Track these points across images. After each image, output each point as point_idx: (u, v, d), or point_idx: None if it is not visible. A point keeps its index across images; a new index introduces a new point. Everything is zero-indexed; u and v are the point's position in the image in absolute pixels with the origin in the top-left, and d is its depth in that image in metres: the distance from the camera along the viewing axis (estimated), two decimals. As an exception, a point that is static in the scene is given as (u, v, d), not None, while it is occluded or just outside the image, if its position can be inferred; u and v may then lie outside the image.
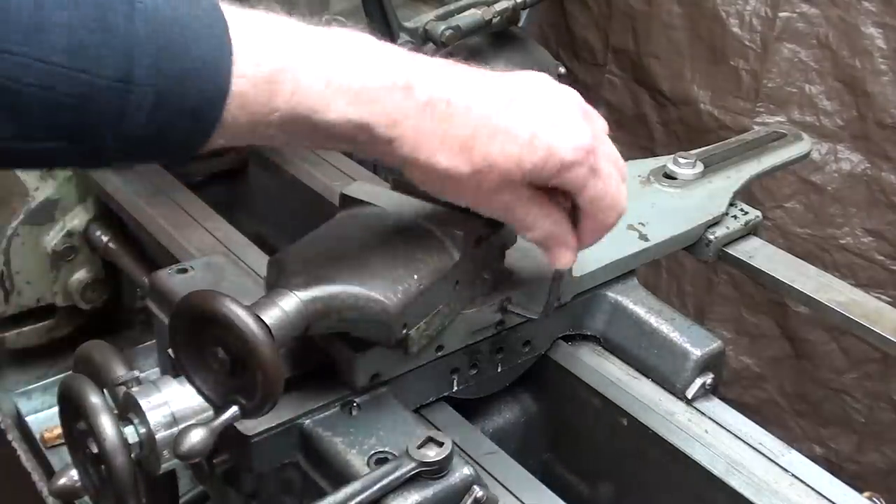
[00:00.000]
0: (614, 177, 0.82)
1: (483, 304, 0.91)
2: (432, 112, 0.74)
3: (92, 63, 0.61)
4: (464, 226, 0.87)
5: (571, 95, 0.82)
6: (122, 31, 0.62)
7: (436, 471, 0.77)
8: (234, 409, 0.73)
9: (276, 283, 0.79)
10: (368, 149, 0.75)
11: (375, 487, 0.75)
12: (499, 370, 0.97)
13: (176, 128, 0.65)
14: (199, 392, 0.75)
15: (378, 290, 0.80)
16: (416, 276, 0.83)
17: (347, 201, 0.92)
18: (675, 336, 0.97)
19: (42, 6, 0.60)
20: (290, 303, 0.75)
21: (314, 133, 0.72)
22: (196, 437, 0.71)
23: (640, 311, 1.00)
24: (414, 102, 0.73)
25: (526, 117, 0.76)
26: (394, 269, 0.82)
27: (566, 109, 0.79)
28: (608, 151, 0.82)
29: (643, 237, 1.06)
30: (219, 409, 0.74)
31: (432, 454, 0.77)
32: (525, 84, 0.80)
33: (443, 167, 0.75)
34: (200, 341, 0.73)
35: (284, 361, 0.85)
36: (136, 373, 0.78)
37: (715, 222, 1.11)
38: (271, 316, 0.74)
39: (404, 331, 0.82)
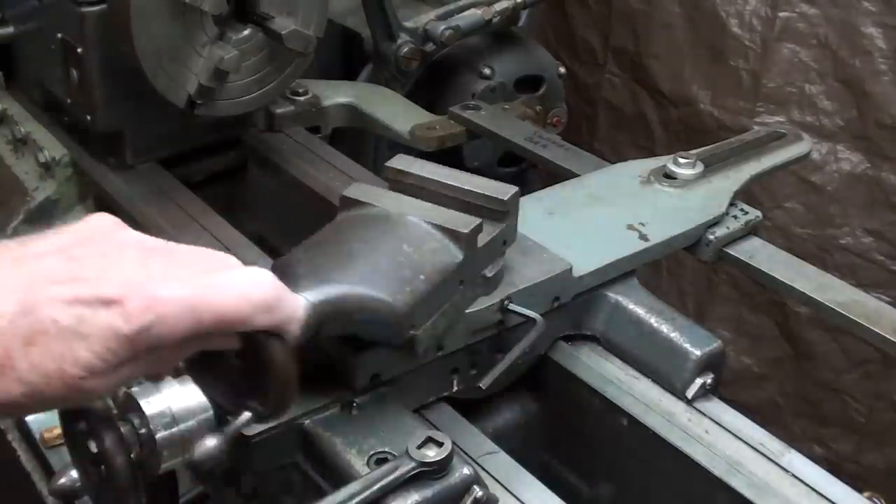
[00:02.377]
0: (202, 283, 0.66)
1: (483, 304, 0.91)
2: None
3: None
4: (466, 225, 0.87)
5: (117, 242, 0.67)
6: None
7: (436, 471, 0.77)
8: (246, 415, 0.72)
9: None
10: None
11: (375, 487, 0.75)
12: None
13: None
14: (210, 398, 0.75)
15: (386, 291, 0.80)
16: (422, 277, 0.83)
17: (348, 203, 0.91)
18: (675, 336, 0.97)
19: None
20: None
21: None
22: (211, 443, 0.71)
23: (640, 311, 1.00)
24: None
25: (63, 304, 0.62)
26: (400, 270, 0.82)
27: (107, 266, 0.65)
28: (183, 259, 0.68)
29: (643, 237, 1.06)
30: (231, 415, 0.74)
31: (432, 454, 0.77)
32: (55, 255, 0.65)
33: None
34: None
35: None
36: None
37: (715, 222, 1.11)
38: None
39: (412, 331, 0.83)
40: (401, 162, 0.95)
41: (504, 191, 0.92)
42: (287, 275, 0.80)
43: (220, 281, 0.67)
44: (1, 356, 0.61)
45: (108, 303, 0.63)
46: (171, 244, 0.70)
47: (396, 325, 0.81)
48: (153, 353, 0.66)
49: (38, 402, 0.63)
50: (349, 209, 0.91)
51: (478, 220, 0.87)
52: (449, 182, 0.92)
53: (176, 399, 0.77)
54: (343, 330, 0.81)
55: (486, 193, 0.91)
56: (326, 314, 0.77)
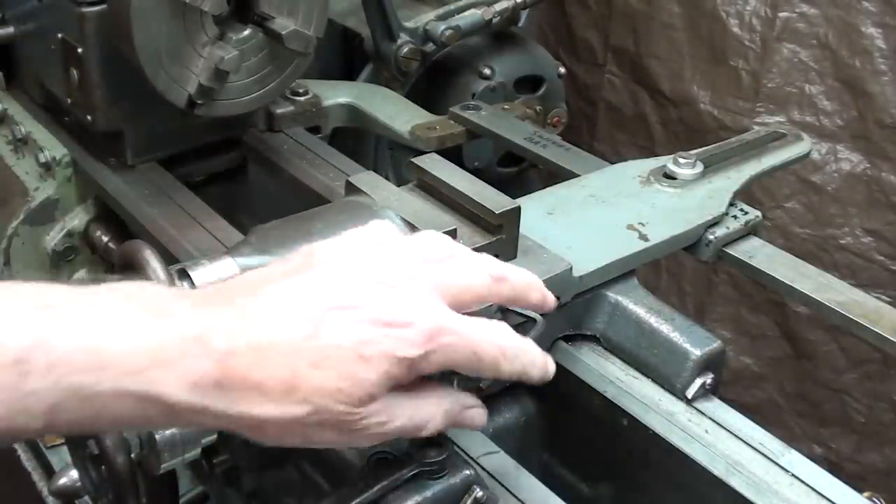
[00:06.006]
0: (474, 324, 0.69)
1: (482, 305, 0.91)
2: (237, 362, 0.62)
3: None
4: (438, 228, 0.87)
5: (395, 260, 0.69)
6: None
7: (436, 471, 0.77)
8: None
9: (230, 249, 0.81)
10: (171, 421, 0.65)
11: (375, 487, 0.75)
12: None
13: None
14: None
15: None
16: None
17: (350, 189, 0.92)
18: (675, 336, 0.97)
19: None
20: (224, 265, 0.76)
21: (93, 416, 0.60)
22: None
23: (640, 311, 1.00)
24: (211, 356, 0.62)
25: (349, 325, 0.64)
26: None
27: (393, 288, 0.67)
28: (464, 284, 0.70)
29: (643, 237, 1.06)
30: None
31: (432, 454, 0.77)
32: (339, 275, 0.67)
33: (273, 417, 0.64)
34: None
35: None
36: None
37: (715, 222, 1.11)
38: (197, 273, 0.75)
39: None
40: (424, 161, 0.96)
41: (502, 203, 0.92)
42: (243, 241, 0.82)
43: (503, 334, 0.71)
44: (288, 376, 0.63)
45: (395, 325, 0.65)
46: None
47: None
48: (434, 397, 0.70)
49: (317, 423, 0.65)
50: (348, 195, 0.92)
51: (453, 226, 0.88)
52: (457, 188, 0.92)
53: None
54: None
55: (483, 204, 0.91)
56: None
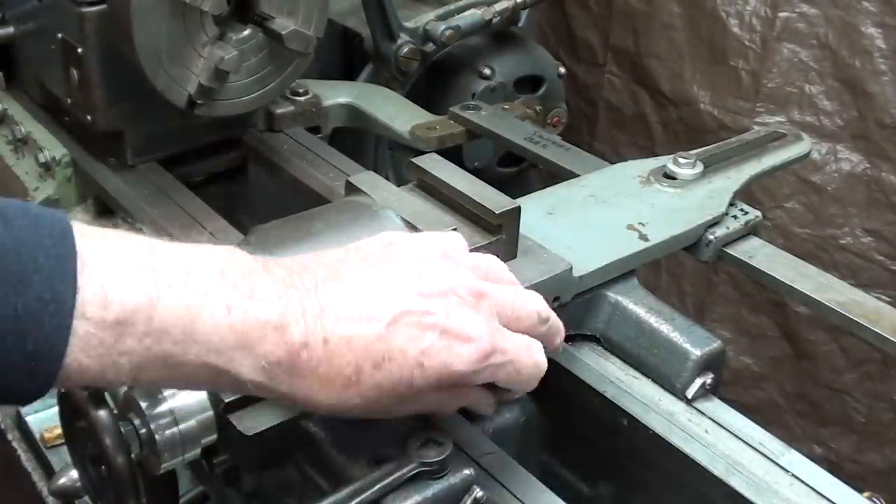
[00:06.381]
0: (523, 349, 0.75)
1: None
2: (310, 354, 0.67)
3: None
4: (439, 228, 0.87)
5: (462, 277, 0.73)
6: None
7: (436, 471, 0.77)
8: None
9: None
10: (237, 391, 0.71)
11: (375, 487, 0.75)
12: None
13: (12, 371, 0.59)
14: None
15: None
16: None
17: (350, 189, 0.92)
18: (675, 336, 0.97)
19: None
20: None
21: (173, 378, 0.66)
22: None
23: (640, 311, 1.00)
24: (287, 346, 0.66)
25: (417, 330, 0.69)
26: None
27: (459, 303, 0.72)
28: (514, 313, 0.75)
29: (643, 237, 1.06)
30: None
31: (432, 454, 0.77)
32: (412, 276, 0.72)
33: (328, 404, 0.70)
34: None
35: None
36: None
37: (715, 222, 1.11)
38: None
39: None
40: (424, 161, 0.96)
41: (502, 203, 0.92)
42: (249, 241, 0.83)
43: (539, 352, 0.77)
44: (352, 371, 0.68)
45: (457, 338, 0.70)
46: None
47: None
48: (458, 393, 0.75)
49: (365, 409, 0.71)
50: (348, 195, 0.92)
51: (453, 226, 0.88)
52: (457, 188, 0.92)
53: (176, 399, 0.77)
54: None
55: (483, 204, 0.91)
56: None
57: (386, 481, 0.76)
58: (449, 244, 0.77)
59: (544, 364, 0.77)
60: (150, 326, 0.62)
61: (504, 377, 0.74)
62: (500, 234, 0.91)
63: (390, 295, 0.70)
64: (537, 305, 0.79)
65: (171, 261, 0.65)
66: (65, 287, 0.59)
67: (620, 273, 1.03)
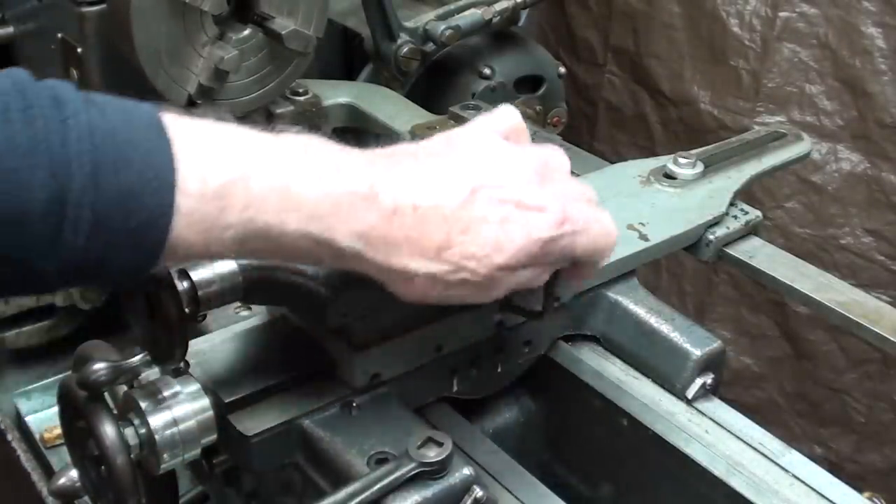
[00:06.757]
0: (593, 219, 0.78)
1: (483, 304, 0.91)
2: (401, 220, 0.70)
3: (23, 184, 0.57)
4: None
5: (526, 157, 0.77)
6: (54, 150, 0.58)
7: (436, 471, 0.77)
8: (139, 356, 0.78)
9: None
10: (337, 263, 0.72)
11: (375, 487, 0.75)
12: (499, 370, 0.97)
13: (119, 249, 0.61)
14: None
15: (320, 272, 0.80)
16: None
17: None
18: (675, 336, 0.97)
19: None
20: (224, 265, 0.77)
21: (275, 250, 0.68)
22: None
23: (640, 311, 1.00)
24: (379, 212, 0.69)
25: (494, 202, 0.73)
26: None
27: (527, 180, 0.75)
28: (575, 195, 0.78)
29: (643, 237, 1.06)
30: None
31: (432, 454, 0.77)
32: (480, 160, 0.75)
33: (422, 272, 0.72)
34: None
35: (284, 360, 0.85)
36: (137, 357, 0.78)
37: (715, 222, 1.11)
38: (199, 273, 0.75)
39: (343, 318, 0.82)
40: None
41: None
42: None
43: (609, 222, 0.79)
44: (443, 239, 0.71)
45: (531, 209, 0.73)
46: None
47: (322, 308, 0.81)
48: (540, 267, 0.76)
49: (459, 281, 0.73)
50: None
51: None
52: None
53: (176, 399, 0.77)
54: (276, 301, 0.85)
55: None
56: (254, 280, 0.78)
57: (386, 481, 0.75)
58: (503, 125, 0.82)
59: (615, 232, 0.80)
60: (249, 197, 0.64)
61: (580, 248, 0.76)
62: None
63: (465, 172, 0.73)
64: (591, 192, 0.82)
65: (260, 139, 0.68)
66: (164, 163, 0.62)
67: (620, 273, 1.03)
